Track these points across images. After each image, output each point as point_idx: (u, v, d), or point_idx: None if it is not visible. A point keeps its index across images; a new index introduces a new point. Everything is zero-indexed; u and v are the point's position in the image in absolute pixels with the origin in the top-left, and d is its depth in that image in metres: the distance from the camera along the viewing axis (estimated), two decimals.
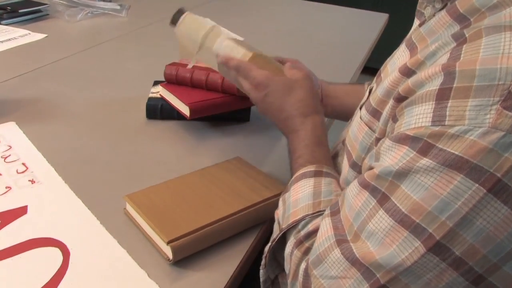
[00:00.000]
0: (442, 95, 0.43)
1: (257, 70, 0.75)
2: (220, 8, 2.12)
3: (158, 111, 1.02)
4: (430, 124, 0.43)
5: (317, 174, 0.64)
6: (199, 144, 0.96)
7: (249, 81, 0.75)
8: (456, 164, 0.42)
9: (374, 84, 0.65)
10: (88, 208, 0.75)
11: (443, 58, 0.45)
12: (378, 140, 0.54)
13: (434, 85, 0.44)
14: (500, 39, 0.41)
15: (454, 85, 0.42)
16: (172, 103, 0.99)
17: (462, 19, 0.48)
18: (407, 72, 0.50)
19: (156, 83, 1.11)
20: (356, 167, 0.61)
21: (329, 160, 0.69)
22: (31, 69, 1.27)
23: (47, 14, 1.78)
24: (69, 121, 1.01)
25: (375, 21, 2.07)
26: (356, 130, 0.61)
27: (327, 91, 0.90)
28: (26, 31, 1.58)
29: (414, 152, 0.44)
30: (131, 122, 1.02)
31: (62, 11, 1.78)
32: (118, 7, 1.89)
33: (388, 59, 0.64)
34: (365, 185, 0.50)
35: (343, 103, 0.90)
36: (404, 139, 0.46)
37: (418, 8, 0.61)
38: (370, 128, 0.57)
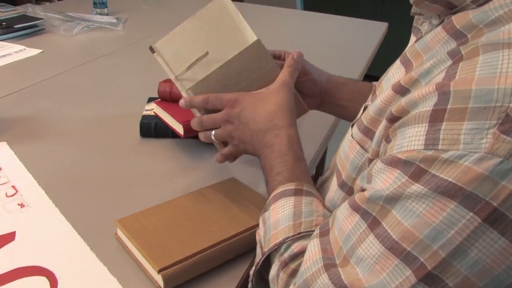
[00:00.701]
0: (436, 117, 0.40)
1: (225, 95, 0.73)
2: None
3: (152, 129, 1.00)
4: (422, 148, 0.41)
5: (297, 192, 0.61)
6: (194, 163, 0.93)
7: (221, 105, 0.73)
8: (449, 191, 0.39)
9: (369, 102, 0.62)
10: (78, 233, 0.73)
11: (439, 77, 0.42)
12: (370, 161, 0.52)
13: (428, 106, 0.41)
14: (498, 57, 0.39)
15: (449, 107, 0.40)
16: (166, 121, 0.97)
17: (458, 35, 0.46)
18: (401, 90, 0.48)
19: (150, 100, 1.09)
20: (345, 187, 0.59)
21: (308, 176, 0.66)
22: (25, 86, 1.25)
23: (43, 29, 1.77)
24: (61, 140, 0.99)
25: (375, 30, 2.06)
26: (347, 149, 0.59)
27: (332, 98, 0.87)
28: (22, 47, 1.56)
29: (406, 177, 0.42)
30: (125, 140, 1.00)
31: (58, 25, 1.77)
32: (115, 21, 1.88)
33: (383, 75, 0.62)
34: (356, 208, 0.48)
35: (347, 111, 0.87)
36: (396, 163, 0.44)
37: (414, 24, 0.59)
38: (362, 147, 0.55)
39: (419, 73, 0.46)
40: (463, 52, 0.42)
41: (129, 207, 0.76)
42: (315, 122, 1.07)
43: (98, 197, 0.82)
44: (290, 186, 0.62)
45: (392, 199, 0.43)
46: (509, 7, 0.42)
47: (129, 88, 1.28)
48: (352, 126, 0.60)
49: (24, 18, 1.78)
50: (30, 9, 1.88)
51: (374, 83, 0.89)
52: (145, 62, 1.48)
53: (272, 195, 0.64)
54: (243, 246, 0.70)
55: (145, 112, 1.03)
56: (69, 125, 1.06)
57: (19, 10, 1.87)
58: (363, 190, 0.49)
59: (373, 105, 0.53)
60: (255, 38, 0.73)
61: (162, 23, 1.97)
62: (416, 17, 0.59)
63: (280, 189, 0.63)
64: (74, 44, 1.66)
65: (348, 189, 0.59)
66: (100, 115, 1.11)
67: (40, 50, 1.55)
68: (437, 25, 0.52)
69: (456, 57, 0.42)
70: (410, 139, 0.43)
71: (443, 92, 0.40)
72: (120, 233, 0.71)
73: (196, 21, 0.73)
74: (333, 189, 0.63)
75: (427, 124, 0.41)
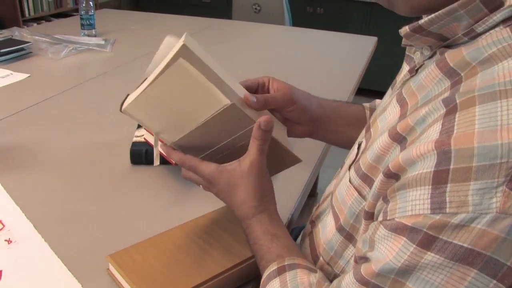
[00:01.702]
0: (439, 179, 0.38)
1: (202, 166, 0.68)
2: (207, 37, 2.10)
3: (142, 156, 0.98)
4: (429, 212, 0.39)
5: (280, 271, 0.59)
6: (186, 191, 0.91)
7: (196, 173, 0.69)
8: (467, 258, 0.37)
9: (363, 140, 0.61)
10: (69, 269, 0.71)
11: (435, 130, 0.40)
12: (367, 213, 0.50)
13: (428, 167, 0.39)
14: (497, 108, 0.37)
15: (451, 167, 0.38)
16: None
17: (452, 73, 0.45)
18: (398, 137, 0.47)
19: (140, 125, 1.07)
20: (343, 231, 0.57)
21: (287, 244, 0.63)
22: (11, 113, 1.23)
23: (30, 52, 1.75)
24: (50, 170, 0.97)
25: (365, 44, 2.06)
26: (345, 194, 0.57)
27: (324, 124, 0.83)
28: (8, 72, 1.54)
29: (414, 245, 0.40)
30: (115, 168, 0.98)
31: (46, 48, 1.75)
32: (103, 42, 1.86)
33: (379, 111, 0.60)
34: (365, 283, 0.45)
35: (341, 136, 0.84)
36: (401, 229, 0.41)
37: (407, 52, 0.58)
38: (360, 193, 0.53)
39: (414, 120, 0.45)
40: (457, 101, 0.40)
41: (121, 240, 0.73)
42: (307, 146, 1.05)
43: (89, 230, 0.80)
44: (273, 267, 0.60)
45: (406, 272, 0.41)
46: (502, 43, 0.41)
47: (118, 113, 1.25)
48: (349, 168, 0.58)
49: (11, 42, 1.75)
50: (17, 33, 1.86)
51: (365, 105, 0.87)
52: (134, 85, 1.46)
53: (261, 281, 0.62)
54: (240, 279, 0.68)
55: (135, 139, 1.01)
56: (57, 153, 1.03)
57: (5, 34, 1.85)
58: (367, 258, 0.47)
59: (370, 151, 0.52)
60: (229, 102, 0.64)
61: (150, 43, 1.95)
62: (408, 46, 0.58)
63: (266, 273, 0.61)
64: (62, 68, 1.64)
65: (346, 234, 0.57)
66: (89, 142, 1.09)
67: (28, 75, 1.52)
68: (429, 57, 0.51)
69: (450, 105, 0.41)
70: (414, 203, 0.40)
71: (443, 152, 0.38)
72: (112, 269, 0.68)
73: (158, 87, 0.65)
74: (330, 231, 0.61)
75: (430, 186, 0.39)
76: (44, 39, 1.83)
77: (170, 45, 0.71)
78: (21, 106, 1.27)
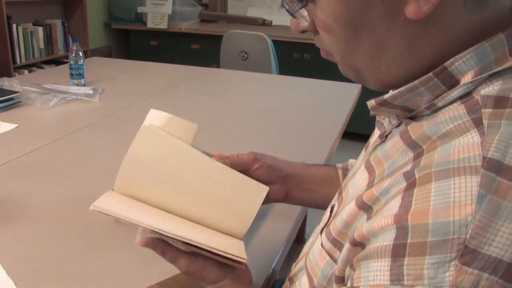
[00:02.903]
0: (398, 252, 0.40)
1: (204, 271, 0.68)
2: (195, 87, 2.14)
3: None
4: (389, 283, 0.41)
5: None
6: None
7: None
8: None
9: (335, 203, 0.63)
10: None
11: (395, 204, 0.43)
12: (338, 277, 0.52)
13: (388, 240, 0.42)
14: (450, 186, 0.39)
15: (408, 241, 0.40)
16: None
17: (414, 145, 0.47)
18: (364, 206, 0.49)
19: None
20: None
21: None
22: None
23: (19, 102, 1.77)
24: (34, 225, 0.97)
25: (350, 91, 2.11)
26: (317, 257, 0.59)
27: (298, 183, 0.86)
28: None
29: None
30: (99, 223, 0.98)
31: (35, 98, 1.78)
32: (91, 92, 1.89)
33: (350, 175, 0.63)
34: None
35: (316, 194, 0.87)
36: None
37: (377, 118, 0.61)
38: (331, 257, 0.55)
39: (379, 190, 0.47)
40: (416, 176, 0.43)
41: None
42: None
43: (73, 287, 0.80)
44: None
45: None
46: (457, 120, 0.44)
47: (105, 165, 1.27)
48: (321, 232, 0.60)
49: (0, 91, 1.78)
50: (6, 83, 1.88)
51: (338, 165, 0.89)
52: (121, 136, 1.48)
53: None
54: None
55: None
56: (41, 206, 1.04)
57: None
58: None
59: (340, 217, 0.54)
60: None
61: (138, 92, 1.99)
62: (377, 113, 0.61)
63: None
64: (51, 118, 1.66)
65: None
66: (74, 195, 1.10)
67: (16, 125, 1.54)
68: (397, 125, 0.53)
69: (410, 180, 0.43)
70: (376, 273, 0.42)
71: (401, 226, 0.41)
72: None
73: (131, 162, 0.67)
74: None
75: (389, 259, 0.41)
76: (33, 89, 1.85)
77: (153, 119, 0.74)
78: (7, 157, 1.28)
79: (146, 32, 4.27)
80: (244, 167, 0.79)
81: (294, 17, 0.54)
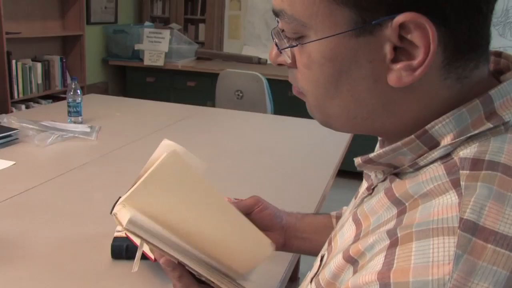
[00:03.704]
0: None
1: None
2: (191, 125, 2.17)
3: (123, 251, 1.00)
4: None
5: None
6: (165, 287, 0.93)
7: None
8: None
9: (325, 252, 0.65)
10: None
11: (379, 261, 0.45)
12: None
13: None
14: (429, 246, 0.41)
15: None
16: (138, 243, 0.97)
17: (398, 202, 0.50)
18: (350, 260, 0.51)
19: None
20: None
21: None
22: None
23: (17, 139, 1.79)
24: (29, 265, 0.98)
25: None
26: None
27: (295, 232, 0.89)
28: None
29: None
30: (96, 263, 0.99)
31: (32, 135, 1.80)
32: (88, 130, 1.92)
33: (339, 227, 0.65)
34: None
35: (312, 243, 0.89)
36: None
37: (365, 171, 0.63)
38: None
39: (364, 246, 0.49)
40: (399, 235, 0.45)
41: None
42: None
43: None
44: None
45: None
46: (437, 181, 0.46)
47: (101, 204, 1.28)
48: (311, 281, 0.62)
49: None
50: (5, 120, 1.91)
51: (332, 214, 0.92)
52: (118, 175, 1.50)
53: None
54: None
55: (116, 234, 1.04)
56: (37, 247, 1.05)
57: None
58: None
59: (328, 268, 0.56)
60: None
61: (135, 131, 2.02)
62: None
63: None
64: (47, 155, 1.68)
65: None
66: (70, 234, 1.11)
67: (13, 162, 1.56)
68: (382, 180, 0.56)
69: (393, 238, 0.45)
70: None
71: (384, 284, 0.42)
72: None
73: (150, 184, 0.66)
74: None
75: None
76: (31, 126, 1.88)
77: (166, 149, 0.75)
78: (3, 195, 1.29)
79: (142, 69, 4.33)
80: (247, 210, 0.82)
81: (280, 52, 0.55)
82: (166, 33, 4.23)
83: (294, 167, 1.71)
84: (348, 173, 3.25)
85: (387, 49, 0.46)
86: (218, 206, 0.72)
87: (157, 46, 4.22)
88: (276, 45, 0.54)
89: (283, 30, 0.53)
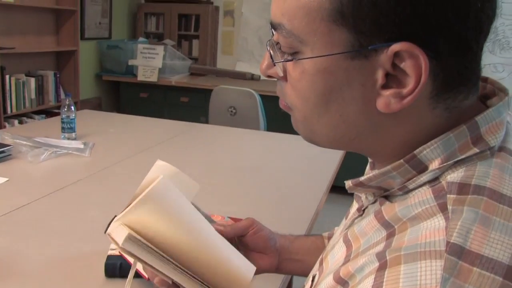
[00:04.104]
0: None
1: None
2: (182, 144, 2.18)
3: (117, 270, 1.00)
4: None
5: None
6: None
7: None
8: None
9: (316, 272, 0.66)
10: None
11: (369, 283, 0.46)
12: None
13: None
14: (417, 269, 0.43)
15: None
16: (131, 261, 0.97)
17: (387, 225, 0.51)
18: (341, 281, 0.52)
19: None
20: None
21: None
22: None
23: (10, 155, 1.79)
24: (22, 283, 0.98)
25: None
26: None
27: (289, 254, 0.89)
28: None
29: None
30: (90, 281, 1.00)
31: (26, 152, 1.80)
32: (82, 146, 1.92)
33: (330, 248, 0.66)
34: None
35: (304, 264, 0.89)
36: None
37: (356, 192, 0.65)
38: None
39: (354, 267, 0.50)
40: (387, 258, 0.46)
41: None
42: None
43: None
44: None
45: None
46: (425, 205, 0.48)
47: (95, 222, 1.28)
48: None
49: None
50: None
51: (324, 234, 0.93)
52: (111, 193, 1.50)
53: None
54: None
55: (110, 252, 1.04)
56: (30, 265, 1.05)
57: None
58: None
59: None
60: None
61: (128, 147, 2.02)
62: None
63: None
64: (41, 172, 1.68)
65: None
66: (64, 253, 1.11)
67: (6, 179, 1.56)
68: (372, 202, 0.57)
69: (382, 261, 0.46)
70: None
71: None
72: None
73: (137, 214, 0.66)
74: None
75: None
76: (24, 142, 1.88)
77: (160, 170, 0.76)
78: None
79: (136, 84, 4.35)
80: (241, 232, 0.82)
81: (274, 64, 0.55)
82: (160, 48, 4.25)
83: (287, 183, 1.72)
84: (341, 188, 3.27)
85: (379, 74, 0.47)
86: (203, 231, 0.73)
87: (150, 62, 4.24)
88: (271, 56, 0.55)
89: (277, 43, 0.53)
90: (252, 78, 4.29)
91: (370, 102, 0.49)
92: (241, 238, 0.83)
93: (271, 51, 0.54)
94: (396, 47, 0.45)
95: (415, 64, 0.45)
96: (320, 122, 0.53)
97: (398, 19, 0.44)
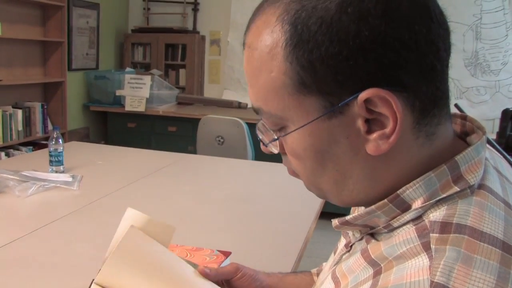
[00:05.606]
0: None
1: None
2: (171, 175, 2.19)
3: None
4: None
5: None
6: None
7: None
8: None
9: None
10: None
11: None
12: None
13: None
14: None
15: None
16: None
17: (374, 263, 0.52)
18: None
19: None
20: None
21: None
22: None
23: None
24: None
25: None
26: None
27: None
28: None
29: None
30: None
31: (13, 186, 1.79)
32: (70, 179, 1.92)
33: (319, 284, 0.67)
34: None
35: None
36: None
37: (342, 230, 0.66)
38: None
39: None
40: None
41: None
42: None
43: None
44: None
45: None
46: (409, 244, 0.49)
47: (85, 257, 1.28)
48: None
49: None
50: None
51: (313, 271, 0.94)
52: (100, 227, 1.50)
53: None
54: None
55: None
56: None
57: None
58: None
59: None
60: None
61: (117, 180, 2.02)
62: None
63: None
64: (29, 207, 1.67)
65: None
66: None
67: None
68: (360, 239, 0.59)
69: None
70: None
71: None
72: None
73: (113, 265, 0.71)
74: None
75: None
76: (11, 176, 1.87)
77: (131, 219, 0.79)
78: None
79: (124, 114, 4.36)
80: (226, 277, 0.84)
81: (266, 146, 0.60)
82: (147, 78, 4.28)
83: (276, 213, 1.73)
84: (330, 214, 3.28)
85: (360, 123, 0.50)
86: (176, 273, 0.76)
87: (138, 92, 4.27)
88: (262, 141, 0.60)
89: (263, 125, 0.58)
90: (239, 106, 4.33)
91: (360, 151, 0.52)
92: (227, 281, 0.85)
93: (260, 135, 0.60)
94: (363, 96, 0.48)
95: (387, 105, 0.48)
96: (323, 181, 0.56)
97: (354, 71, 0.47)
